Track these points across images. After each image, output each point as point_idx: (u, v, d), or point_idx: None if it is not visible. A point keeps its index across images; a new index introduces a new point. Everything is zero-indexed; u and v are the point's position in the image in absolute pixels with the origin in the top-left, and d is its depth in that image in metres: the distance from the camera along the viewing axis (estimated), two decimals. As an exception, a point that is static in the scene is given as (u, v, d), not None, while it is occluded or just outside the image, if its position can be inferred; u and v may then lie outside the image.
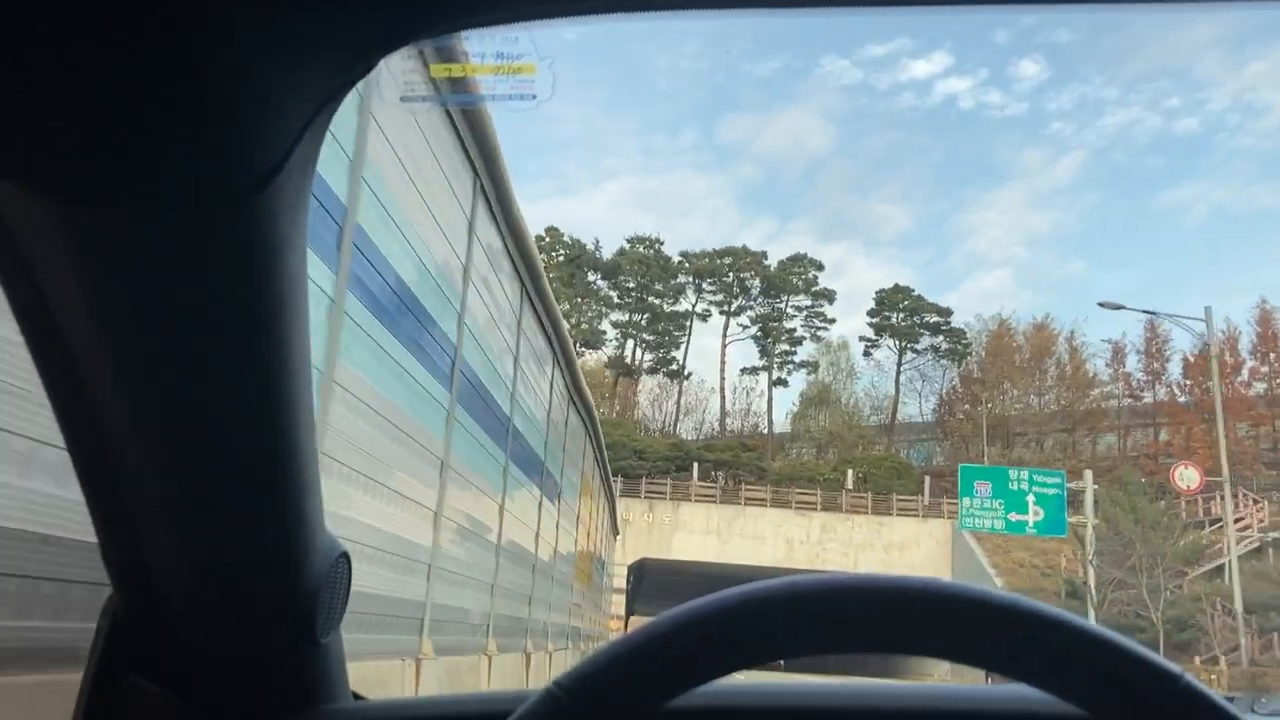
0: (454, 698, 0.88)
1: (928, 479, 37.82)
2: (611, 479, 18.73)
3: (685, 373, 56.54)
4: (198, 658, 0.73)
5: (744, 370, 59.94)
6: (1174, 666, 0.47)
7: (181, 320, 0.58)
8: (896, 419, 52.60)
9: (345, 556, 0.77)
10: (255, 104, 0.50)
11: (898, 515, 34.27)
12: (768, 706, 0.74)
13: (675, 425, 49.33)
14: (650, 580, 39.10)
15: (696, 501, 34.68)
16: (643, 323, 55.28)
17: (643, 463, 37.75)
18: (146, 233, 0.53)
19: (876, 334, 56.15)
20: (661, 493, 34.72)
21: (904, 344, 53.95)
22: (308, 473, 0.68)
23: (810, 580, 0.49)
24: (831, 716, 0.73)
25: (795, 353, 57.92)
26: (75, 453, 0.65)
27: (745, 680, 0.56)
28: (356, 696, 0.84)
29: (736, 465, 40.24)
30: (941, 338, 53.79)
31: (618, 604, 30.76)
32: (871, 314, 56.38)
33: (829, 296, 57.86)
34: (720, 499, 34.86)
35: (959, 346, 52.19)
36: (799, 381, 60.17)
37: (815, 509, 34.76)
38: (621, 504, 34.68)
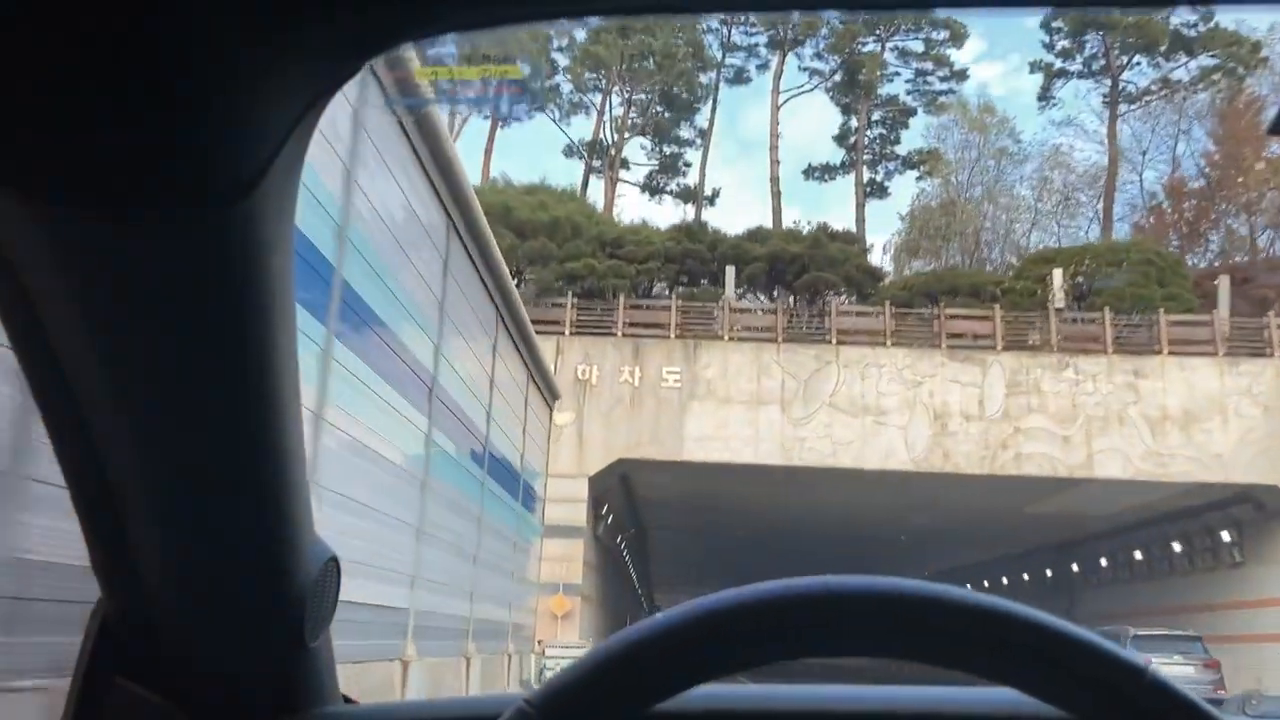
0: (440, 702, 1.15)
1: (1224, 282, 25.87)
2: (505, 279, 14.18)
3: (708, 192, 46.48)
4: (186, 661, 0.95)
5: (810, 172, 49.12)
6: (1139, 660, 0.62)
7: (167, 323, 0.77)
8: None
9: (334, 560, 1.01)
10: (241, 105, 0.65)
11: (1170, 354, 24.35)
12: (746, 711, 0.98)
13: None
14: (650, 516, 31.77)
15: (735, 340, 25.20)
16: (627, 65, 43.60)
17: (619, 265, 27.76)
18: (131, 235, 0.70)
19: (1063, 57, 40.82)
20: (660, 325, 25.46)
21: (1117, 69, 43.12)
22: (295, 476, 0.90)
23: (776, 588, 0.65)
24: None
25: (897, 139, 48.34)
26: (62, 457, 0.85)
27: (721, 686, 0.76)
28: (347, 700, 1.09)
29: (816, 266, 29.96)
30: (1185, 56, 41.67)
31: (560, 559, 22.27)
32: (1052, 27, 43.69)
33: (958, 33, 45.62)
34: (785, 334, 25.39)
35: (1239, 56, 36.40)
36: (906, 192, 45.17)
37: (991, 347, 25.12)
38: (574, 348, 24.42)
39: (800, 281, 29.62)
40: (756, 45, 47.64)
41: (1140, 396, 23.61)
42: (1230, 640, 22.44)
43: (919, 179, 49.20)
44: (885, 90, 48.45)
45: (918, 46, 47.17)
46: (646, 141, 47.55)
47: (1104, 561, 30.48)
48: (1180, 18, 41.76)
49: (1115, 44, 42.93)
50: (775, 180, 45.67)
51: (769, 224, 40.46)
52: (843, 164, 48.33)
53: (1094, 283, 28.16)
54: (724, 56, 47.98)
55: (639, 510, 29.43)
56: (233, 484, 0.88)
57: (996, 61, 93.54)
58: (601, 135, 45.75)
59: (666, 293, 28.19)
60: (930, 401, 23.88)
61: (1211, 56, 41.88)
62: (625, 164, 46.29)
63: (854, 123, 47.59)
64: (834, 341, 24.91)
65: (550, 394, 20.55)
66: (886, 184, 48.89)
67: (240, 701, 0.98)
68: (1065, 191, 46.59)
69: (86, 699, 0.93)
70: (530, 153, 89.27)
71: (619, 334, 24.80)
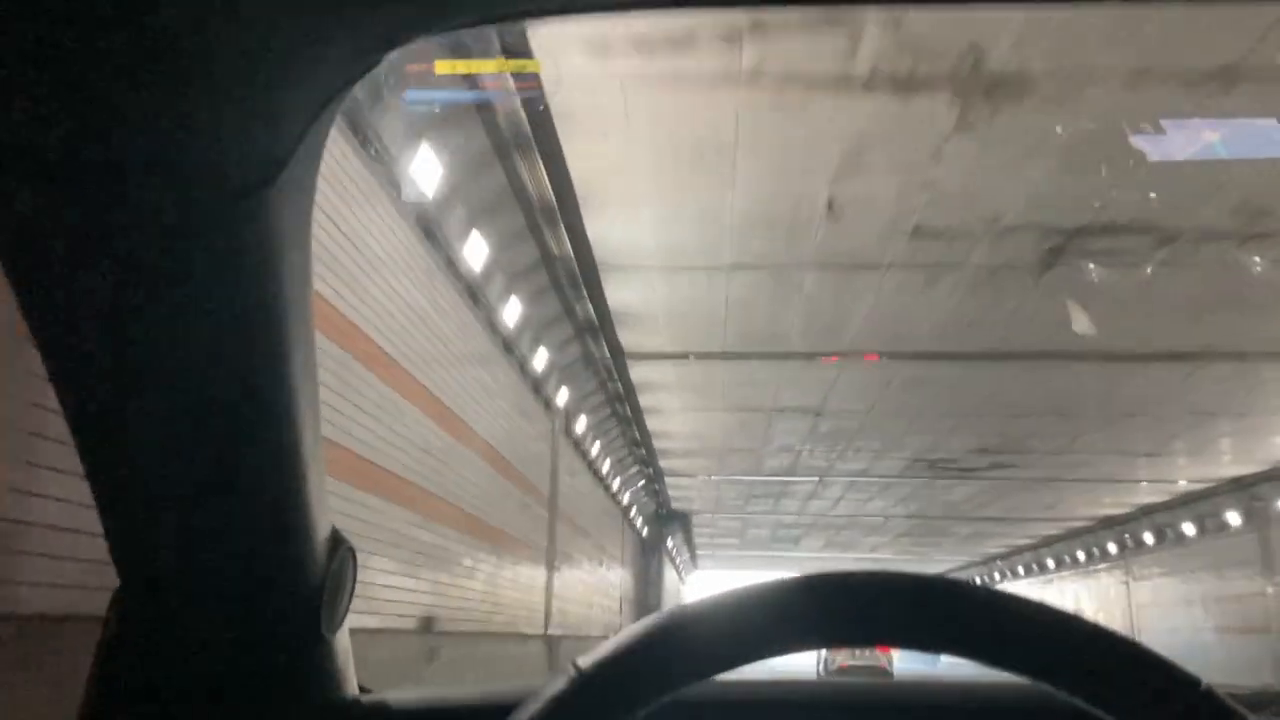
0: (460, 691, 1.15)
1: None
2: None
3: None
4: (204, 651, 0.96)
5: None
6: (1193, 673, 0.64)
7: (186, 314, 0.79)
8: None
9: (351, 551, 1.03)
10: (259, 100, 0.67)
11: None
12: (785, 699, 1.05)
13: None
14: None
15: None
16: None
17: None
18: (151, 226, 0.72)
19: None
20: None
21: None
22: (313, 468, 0.93)
23: (827, 574, 0.67)
24: (843, 711, 1.05)
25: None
26: (81, 448, 0.86)
27: (764, 671, 0.79)
28: (363, 689, 1.11)
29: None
30: None
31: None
32: None
33: None
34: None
35: None
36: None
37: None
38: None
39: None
40: None
41: None
42: None
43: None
44: None
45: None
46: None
47: None
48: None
49: None
50: None
51: None
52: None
53: None
54: None
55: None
56: (250, 475, 0.89)
57: None
58: None
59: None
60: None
61: None
62: None
63: None
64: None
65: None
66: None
67: (257, 691, 0.99)
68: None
69: (105, 686, 0.94)
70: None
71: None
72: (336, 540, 1.01)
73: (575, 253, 12.73)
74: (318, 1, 0.64)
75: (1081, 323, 13.11)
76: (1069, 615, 0.65)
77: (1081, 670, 0.64)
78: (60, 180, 0.69)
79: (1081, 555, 37.85)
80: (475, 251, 11.72)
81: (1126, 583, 33.46)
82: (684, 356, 17.03)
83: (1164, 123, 9.13)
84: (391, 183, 9.09)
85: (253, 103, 0.68)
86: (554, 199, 11.22)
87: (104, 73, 0.63)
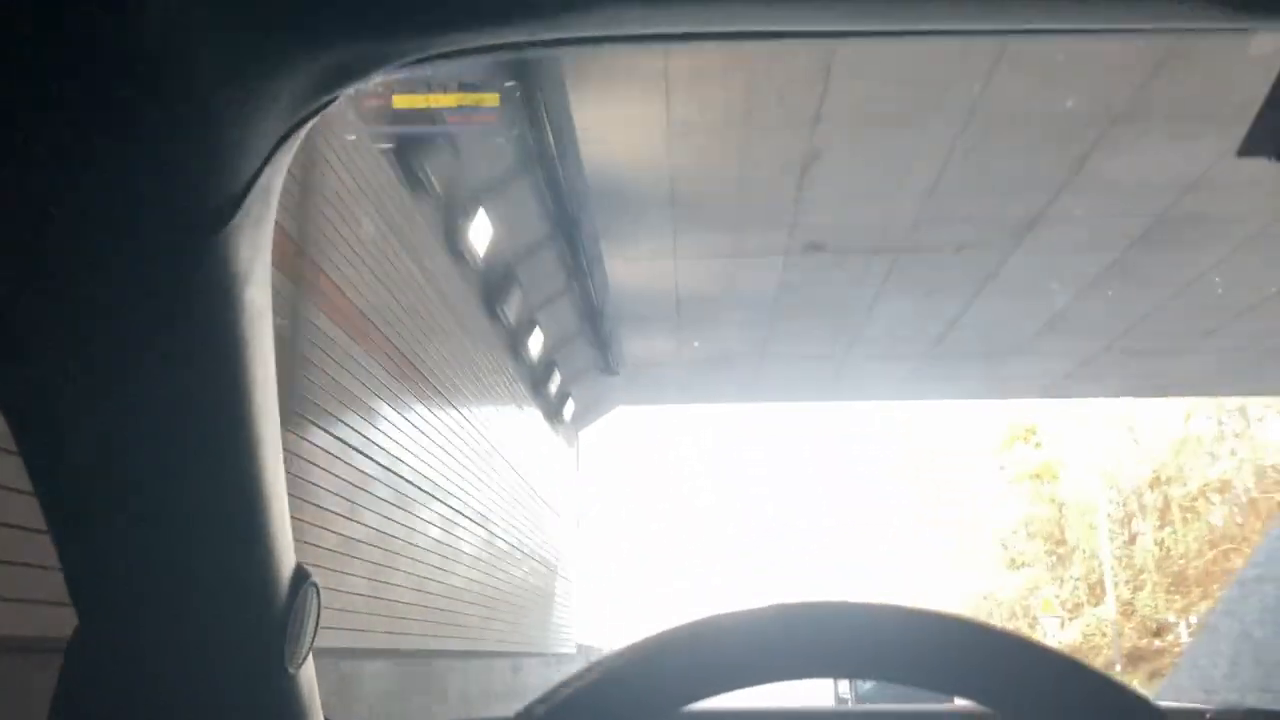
0: None
1: None
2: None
3: None
4: (164, 689, 0.94)
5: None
6: (1143, 694, 0.63)
7: (144, 353, 0.78)
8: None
9: (314, 585, 1.02)
10: (213, 137, 0.66)
11: None
12: None
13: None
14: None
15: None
16: None
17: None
18: (103, 265, 0.71)
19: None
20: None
21: None
22: (274, 501, 0.91)
23: (791, 606, 0.66)
24: None
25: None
26: (37, 482, 0.85)
27: (724, 703, 0.78)
28: None
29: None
30: None
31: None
32: None
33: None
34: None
35: None
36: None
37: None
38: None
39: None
40: None
41: None
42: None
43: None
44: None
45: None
46: None
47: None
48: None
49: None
50: None
51: None
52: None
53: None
54: None
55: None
56: (211, 511, 0.89)
57: None
58: None
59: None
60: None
61: None
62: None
63: None
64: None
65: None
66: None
67: None
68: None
69: None
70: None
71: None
72: (300, 574, 1.02)
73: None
74: (270, 38, 0.63)
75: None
76: (1016, 636, 0.65)
77: (1032, 695, 0.63)
78: (6, 217, 0.69)
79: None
80: None
81: None
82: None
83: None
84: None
85: (204, 140, 0.67)
86: None
87: (52, 112, 0.63)
